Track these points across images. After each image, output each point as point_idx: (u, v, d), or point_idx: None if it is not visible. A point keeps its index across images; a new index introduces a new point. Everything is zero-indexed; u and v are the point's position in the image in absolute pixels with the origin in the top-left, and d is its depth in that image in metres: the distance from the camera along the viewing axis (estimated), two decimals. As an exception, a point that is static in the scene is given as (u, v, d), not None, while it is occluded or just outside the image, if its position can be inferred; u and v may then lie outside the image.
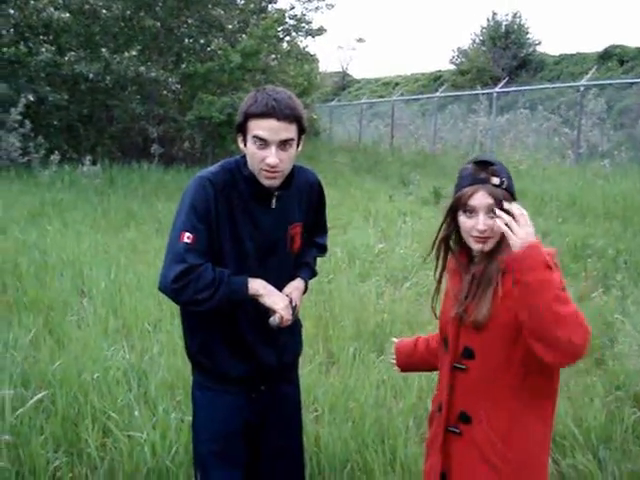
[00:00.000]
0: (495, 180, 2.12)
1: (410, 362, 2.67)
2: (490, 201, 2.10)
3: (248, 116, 2.32)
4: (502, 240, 2.10)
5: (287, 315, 2.40)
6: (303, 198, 2.60)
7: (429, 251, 2.35)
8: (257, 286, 2.38)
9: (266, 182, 2.38)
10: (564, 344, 1.90)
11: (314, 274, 2.77)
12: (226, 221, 2.39)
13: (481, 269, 2.18)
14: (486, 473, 2.13)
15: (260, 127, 2.29)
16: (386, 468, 3.51)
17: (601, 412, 4.11)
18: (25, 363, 4.47)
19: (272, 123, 2.29)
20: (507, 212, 2.00)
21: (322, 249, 2.84)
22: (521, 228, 1.94)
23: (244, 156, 2.45)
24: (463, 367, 2.20)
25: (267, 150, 2.31)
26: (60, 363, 4.43)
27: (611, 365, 4.89)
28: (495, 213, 2.07)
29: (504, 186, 2.12)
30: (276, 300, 2.40)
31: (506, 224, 1.97)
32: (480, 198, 2.12)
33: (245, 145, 2.38)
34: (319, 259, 2.86)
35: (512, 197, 2.13)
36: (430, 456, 2.35)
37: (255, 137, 2.31)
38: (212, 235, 2.36)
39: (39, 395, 3.89)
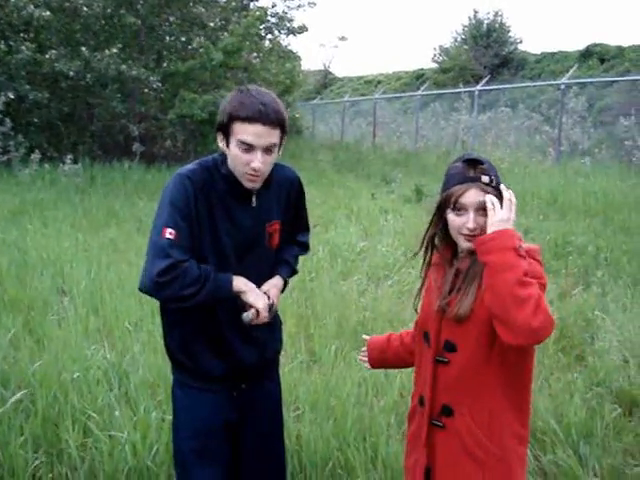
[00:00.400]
0: (485, 178, 2.13)
1: (383, 358, 2.68)
2: (482, 199, 2.11)
3: (233, 118, 2.29)
4: None
5: (264, 313, 2.39)
6: (282, 195, 2.59)
7: (416, 249, 2.36)
8: (240, 283, 2.37)
9: (248, 185, 2.38)
10: (522, 326, 1.92)
11: (294, 272, 2.75)
12: (205, 218, 2.37)
13: (466, 264, 2.20)
14: (469, 465, 2.16)
15: (246, 132, 2.27)
16: (367, 466, 3.51)
17: (581, 408, 4.14)
18: (4, 363, 4.43)
19: (258, 128, 2.27)
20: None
21: (304, 247, 2.83)
22: (503, 211, 1.99)
23: (222, 154, 2.44)
24: (445, 360, 2.22)
25: (252, 154, 2.30)
26: (40, 363, 4.40)
27: (591, 361, 4.92)
28: (485, 211, 2.09)
29: (493, 184, 2.13)
30: (258, 298, 2.39)
31: (492, 204, 2.02)
32: (472, 196, 2.12)
33: (227, 146, 2.36)
34: (301, 257, 2.84)
35: (501, 195, 2.12)
36: (413, 452, 2.36)
37: (240, 141, 2.29)
38: (193, 232, 2.34)
39: (18, 395, 3.86)
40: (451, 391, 2.22)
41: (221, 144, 2.39)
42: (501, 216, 2.00)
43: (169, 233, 2.27)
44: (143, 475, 3.37)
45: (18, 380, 4.24)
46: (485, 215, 2.09)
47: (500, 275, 1.95)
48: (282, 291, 2.62)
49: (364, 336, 2.81)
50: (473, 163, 2.16)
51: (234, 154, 2.33)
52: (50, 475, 3.38)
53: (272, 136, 2.31)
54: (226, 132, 2.33)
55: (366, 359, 2.73)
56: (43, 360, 4.46)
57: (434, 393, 2.26)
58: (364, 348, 2.73)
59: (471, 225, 2.13)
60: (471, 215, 2.14)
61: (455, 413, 2.20)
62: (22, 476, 3.31)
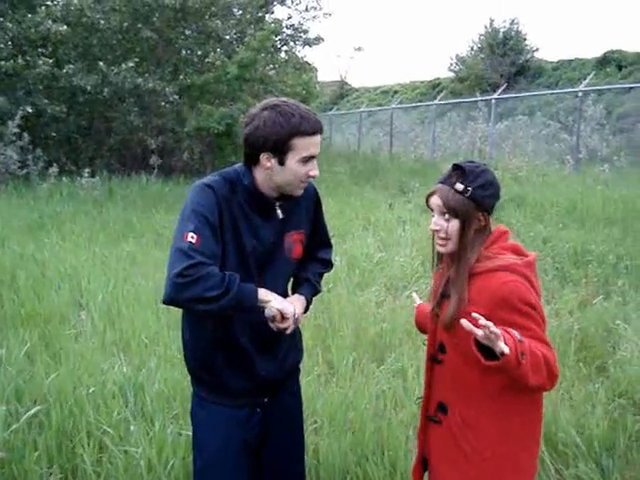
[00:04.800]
0: (459, 186, 2.18)
1: (424, 324, 2.68)
2: (439, 203, 2.21)
3: (294, 134, 2.28)
4: (465, 244, 2.20)
5: (291, 319, 2.35)
6: (302, 206, 2.58)
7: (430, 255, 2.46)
8: (264, 293, 2.33)
9: (299, 193, 2.43)
10: (535, 389, 2.14)
11: (316, 291, 2.70)
12: (229, 228, 2.35)
13: (452, 272, 2.25)
14: (460, 460, 2.26)
15: (311, 145, 2.32)
16: (386, 480, 3.46)
17: (604, 420, 4.07)
18: (20, 378, 4.42)
19: (318, 139, 2.35)
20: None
21: (327, 264, 2.81)
22: (498, 342, 1.94)
23: (244, 165, 2.43)
24: (439, 360, 2.33)
25: (310, 164, 2.35)
26: (55, 377, 4.39)
27: (613, 372, 4.84)
28: (451, 214, 2.19)
29: (467, 194, 2.18)
30: (284, 303, 2.36)
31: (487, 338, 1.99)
32: (434, 199, 2.24)
33: (282, 164, 2.33)
34: None
35: (480, 207, 2.20)
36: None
37: (306, 156, 2.32)
38: (217, 240, 2.30)
39: (33, 410, 3.85)
40: (445, 390, 2.32)
41: (268, 163, 2.34)
42: (485, 338, 1.96)
43: (191, 237, 2.23)
44: (159, 491, 3.34)
45: (33, 395, 4.23)
46: (449, 220, 2.20)
47: (517, 379, 2.04)
48: (305, 310, 2.58)
49: (413, 294, 2.85)
50: (458, 169, 2.22)
51: (294, 170, 2.33)
52: (65, 491, 3.36)
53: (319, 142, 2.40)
54: (282, 150, 2.31)
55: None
56: (59, 374, 4.45)
57: (431, 390, 2.39)
58: (415, 303, 2.78)
59: (431, 226, 2.26)
60: (435, 217, 2.25)
61: (449, 411, 2.30)
62: (37, 492, 3.30)
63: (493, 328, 1.91)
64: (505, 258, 2.19)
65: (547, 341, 2.13)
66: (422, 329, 2.70)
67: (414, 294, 2.82)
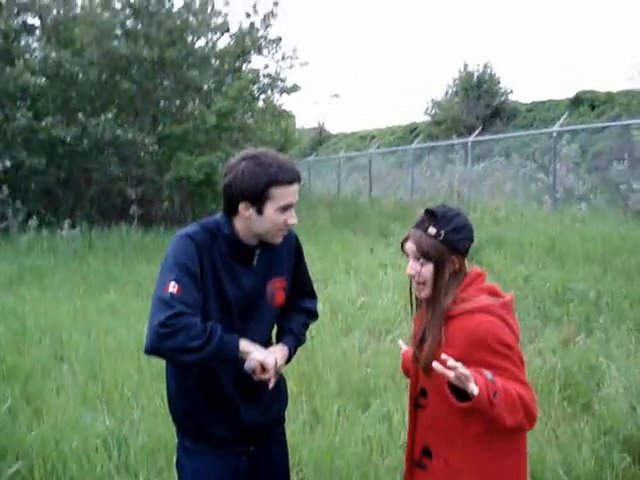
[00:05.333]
0: (432, 230, 2.23)
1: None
2: (413, 248, 2.26)
3: (272, 184, 2.32)
4: (440, 288, 2.24)
5: (272, 370, 2.35)
6: (283, 253, 2.60)
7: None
8: (246, 344, 2.34)
9: (278, 240, 2.45)
10: (514, 429, 2.14)
11: (300, 342, 2.70)
12: (209, 277, 2.37)
13: (428, 315, 2.29)
14: None
15: (289, 193, 2.36)
16: (374, 528, 3.43)
17: (590, 458, 4.07)
18: (1, 434, 4.36)
19: (296, 187, 2.39)
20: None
21: (312, 315, 2.81)
22: (468, 383, 1.98)
23: (224, 215, 2.45)
24: (421, 404, 2.34)
25: (288, 212, 2.39)
26: (38, 432, 4.34)
27: (598, 409, 4.85)
28: (425, 259, 2.24)
29: (440, 238, 2.22)
30: (265, 354, 2.36)
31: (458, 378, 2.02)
32: (408, 244, 2.29)
33: (260, 213, 2.36)
34: None
35: (454, 250, 2.24)
36: None
37: (284, 205, 2.35)
38: (199, 290, 2.32)
39: (15, 466, 3.79)
40: (429, 434, 2.32)
41: (247, 212, 2.37)
42: (457, 379, 2.00)
43: (172, 287, 2.25)
44: None
45: (15, 450, 4.17)
46: (424, 264, 2.24)
47: (492, 419, 2.06)
48: (288, 361, 2.58)
49: (400, 342, 2.84)
50: (429, 213, 2.27)
51: (273, 218, 2.36)
52: None
53: (298, 191, 2.43)
54: (260, 199, 2.34)
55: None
56: (41, 429, 4.40)
57: (415, 435, 2.39)
58: (401, 349, 2.77)
59: (408, 271, 2.30)
60: (410, 262, 2.30)
61: (433, 456, 2.29)
62: None
63: (462, 369, 1.93)
64: (481, 300, 2.22)
65: (525, 381, 2.15)
66: (408, 374, 2.71)
67: (400, 341, 2.84)
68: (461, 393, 2.00)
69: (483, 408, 1.98)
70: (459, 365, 1.93)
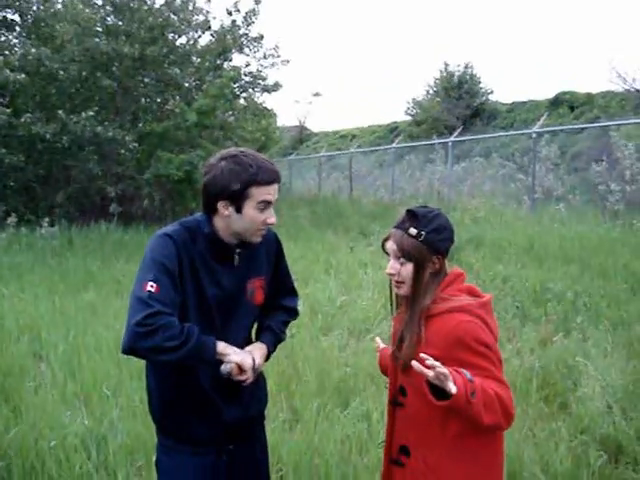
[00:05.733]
0: (412, 231, 2.26)
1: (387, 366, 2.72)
2: (394, 247, 2.30)
3: (252, 183, 2.34)
4: (420, 288, 2.27)
5: (249, 371, 2.36)
6: (262, 252, 2.61)
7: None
8: (222, 346, 2.34)
9: (258, 239, 2.46)
10: (492, 428, 2.17)
11: (279, 340, 2.71)
12: (189, 276, 2.38)
13: (407, 315, 2.31)
14: None
15: (268, 192, 2.38)
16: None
17: (567, 457, 4.12)
18: (-21, 434, 4.33)
19: (275, 187, 2.40)
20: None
21: (292, 312, 2.83)
22: (447, 382, 1.99)
23: (205, 214, 2.46)
24: (400, 403, 2.36)
25: (267, 211, 2.40)
26: (16, 431, 4.31)
27: (575, 409, 4.90)
28: (405, 259, 2.27)
29: (421, 239, 2.25)
30: (242, 356, 2.37)
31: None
32: (389, 244, 2.33)
33: (239, 212, 2.38)
34: None
35: (434, 250, 2.28)
36: None
37: (262, 202, 2.37)
38: (177, 289, 2.32)
39: (-7, 466, 3.77)
40: (407, 432, 2.34)
41: (226, 211, 2.38)
42: (436, 378, 2.01)
43: (150, 286, 2.25)
44: None
45: (-7, 450, 4.15)
46: (404, 264, 2.28)
47: (470, 418, 2.08)
48: (267, 358, 2.59)
49: (377, 340, 2.85)
50: (411, 214, 2.30)
51: (251, 216, 2.38)
52: None
53: (277, 190, 2.44)
54: (239, 198, 2.36)
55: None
56: (19, 428, 4.37)
57: (393, 433, 2.41)
58: (378, 347, 2.79)
59: (387, 270, 2.34)
60: (391, 261, 2.33)
61: (411, 454, 2.31)
62: None
63: (440, 368, 1.95)
64: (460, 299, 2.24)
65: (503, 380, 2.17)
66: (386, 372, 2.73)
67: (377, 338, 2.85)
68: (440, 392, 2.02)
69: (461, 407, 2.01)
70: (437, 364, 1.96)
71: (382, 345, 2.79)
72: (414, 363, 2.01)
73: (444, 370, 1.96)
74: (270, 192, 2.38)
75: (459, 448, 2.22)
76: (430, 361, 1.97)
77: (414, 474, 2.29)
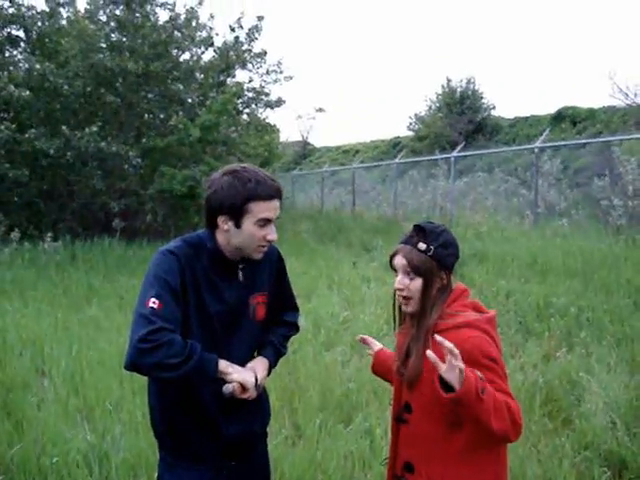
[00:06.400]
0: (422, 246, 2.28)
1: (384, 373, 2.74)
2: (404, 262, 2.30)
3: (251, 199, 2.35)
4: (427, 303, 2.28)
5: (251, 389, 2.36)
6: (265, 268, 2.62)
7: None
8: (224, 365, 2.35)
9: (259, 256, 2.47)
10: (500, 437, 2.14)
11: (280, 354, 2.72)
12: (192, 293, 2.38)
13: (414, 330, 2.32)
14: None
15: (267, 209, 2.38)
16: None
17: (571, 473, 4.10)
18: (-19, 449, 4.33)
19: (276, 203, 2.41)
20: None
21: (292, 327, 2.83)
22: (450, 370, 2.00)
23: (207, 230, 2.47)
24: (404, 419, 2.35)
25: (268, 228, 2.41)
26: (19, 447, 4.30)
27: (578, 424, 4.88)
28: (415, 274, 2.27)
29: (430, 253, 2.27)
30: (243, 374, 2.37)
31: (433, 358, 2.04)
32: (398, 259, 2.33)
33: (238, 227, 2.38)
34: None
35: (442, 266, 2.29)
36: None
37: (261, 219, 2.37)
38: (179, 306, 2.33)
39: (-5, 482, 3.76)
40: (411, 449, 2.33)
41: (225, 226, 2.40)
42: (448, 371, 2.01)
43: (152, 302, 2.26)
44: None
45: (-4, 466, 4.14)
46: (413, 279, 2.28)
47: (479, 420, 2.05)
48: (268, 373, 2.59)
49: (376, 345, 2.84)
50: (419, 229, 2.31)
51: (250, 233, 2.38)
52: None
53: (279, 207, 2.44)
54: (238, 213, 2.37)
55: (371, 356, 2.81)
56: (22, 444, 4.36)
57: (396, 449, 2.40)
58: (370, 351, 2.81)
59: (396, 285, 2.34)
60: (399, 276, 2.34)
61: (415, 470, 2.31)
62: None
63: (454, 349, 1.95)
64: (467, 315, 2.25)
65: (510, 393, 2.18)
66: (382, 376, 2.76)
67: (369, 338, 2.85)
68: (449, 388, 2.01)
69: (470, 401, 1.99)
70: (451, 345, 1.96)
71: (377, 346, 2.79)
72: (429, 353, 2.01)
73: (456, 350, 1.96)
74: (270, 209, 2.39)
75: (463, 464, 2.21)
76: (447, 343, 1.97)
77: None
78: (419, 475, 2.29)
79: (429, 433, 2.25)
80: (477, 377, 2.02)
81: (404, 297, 2.33)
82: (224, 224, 2.40)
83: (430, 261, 2.27)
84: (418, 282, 2.29)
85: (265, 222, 2.39)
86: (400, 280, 2.33)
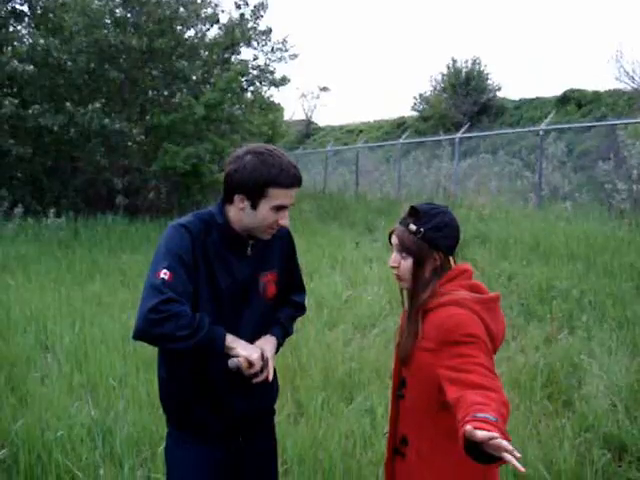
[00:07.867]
0: (412, 227, 2.31)
1: None
2: (396, 242, 2.35)
3: (270, 184, 2.34)
4: (419, 283, 2.31)
5: (257, 363, 2.37)
6: (276, 247, 2.62)
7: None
8: (231, 339, 2.35)
9: (266, 237, 2.47)
10: None
11: (287, 333, 2.72)
12: (203, 267, 2.39)
13: (407, 308, 2.37)
14: None
15: (286, 196, 2.37)
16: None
17: (571, 455, 4.12)
18: (-14, 423, 4.36)
19: (294, 191, 2.40)
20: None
21: (300, 308, 2.84)
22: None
23: (218, 205, 2.48)
24: (401, 394, 2.39)
25: (282, 212, 2.40)
26: (23, 421, 4.34)
27: (579, 407, 4.91)
28: (407, 254, 2.31)
29: (419, 236, 2.30)
30: (250, 349, 2.38)
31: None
32: (393, 237, 2.38)
33: (254, 208, 2.38)
34: None
35: (434, 247, 2.30)
36: None
37: (278, 206, 2.37)
38: (190, 279, 2.34)
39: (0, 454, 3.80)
40: (407, 423, 2.37)
41: (241, 204, 2.39)
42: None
43: (164, 273, 2.27)
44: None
45: (0, 439, 4.17)
46: (405, 258, 2.32)
47: None
48: (276, 352, 2.59)
49: None
50: (414, 210, 2.34)
51: (264, 216, 2.38)
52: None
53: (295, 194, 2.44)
54: (257, 195, 2.36)
55: None
56: (26, 418, 4.40)
57: (396, 425, 2.44)
58: None
59: (389, 262, 2.38)
60: (393, 254, 2.38)
61: (409, 444, 2.34)
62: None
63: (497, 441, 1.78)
64: (456, 293, 2.26)
65: (491, 368, 2.10)
66: None
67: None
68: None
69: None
70: (495, 435, 1.78)
71: None
72: (468, 428, 1.78)
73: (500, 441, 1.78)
74: (288, 196, 2.38)
75: (451, 443, 2.19)
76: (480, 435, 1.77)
77: (410, 464, 2.33)
78: (412, 447, 2.32)
79: (420, 408, 2.29)
80: (496, 424, 1.83)
81: (397, 275, 2.38)
82: (240, 202, 2.39)
83: (421, 242, 2.29)
84: (409, 262, 2.32)
85: (281, 208, 2.39)
86: (394, 258, 2.37)
